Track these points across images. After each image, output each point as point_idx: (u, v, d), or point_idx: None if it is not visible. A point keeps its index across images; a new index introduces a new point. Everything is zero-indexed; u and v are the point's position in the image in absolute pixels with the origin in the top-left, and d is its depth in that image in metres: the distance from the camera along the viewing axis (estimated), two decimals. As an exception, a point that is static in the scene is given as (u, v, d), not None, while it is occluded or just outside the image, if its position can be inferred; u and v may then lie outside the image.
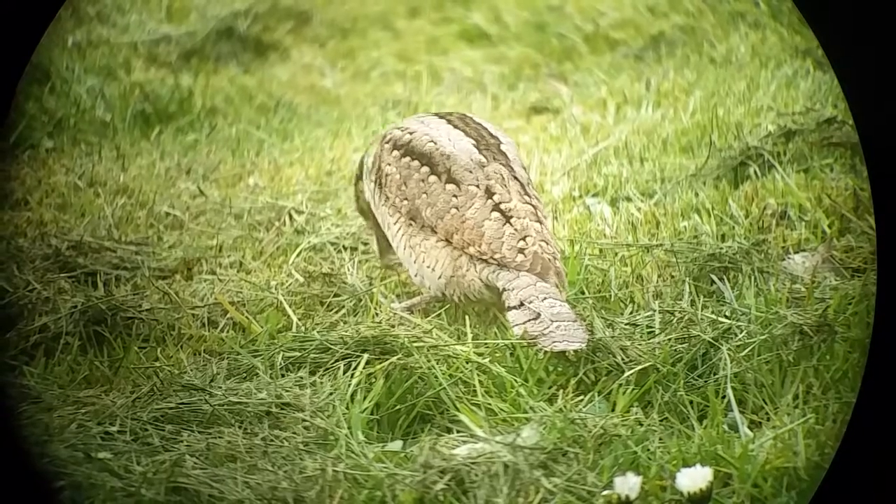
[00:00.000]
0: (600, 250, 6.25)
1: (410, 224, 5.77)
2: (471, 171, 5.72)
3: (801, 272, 5.97)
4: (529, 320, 5.41)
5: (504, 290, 5.55)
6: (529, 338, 5.34)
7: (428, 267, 5.72)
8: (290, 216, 7.01)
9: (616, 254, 6.22)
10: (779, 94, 7.84)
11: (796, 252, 6.16)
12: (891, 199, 4.75)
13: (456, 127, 5.87)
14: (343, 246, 6.63)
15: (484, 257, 5.60)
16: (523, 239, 5.58)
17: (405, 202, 5.77)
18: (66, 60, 9.00)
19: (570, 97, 8.95)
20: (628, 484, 4.48)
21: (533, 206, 5.70)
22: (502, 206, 5.64)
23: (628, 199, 6.94)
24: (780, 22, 8.90)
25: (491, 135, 5.86)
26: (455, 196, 5.69)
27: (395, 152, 5.85)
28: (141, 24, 10.00)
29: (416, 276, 5.79)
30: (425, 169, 5.76)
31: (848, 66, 4.90)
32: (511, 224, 5.61)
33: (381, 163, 5.89)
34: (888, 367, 4.60)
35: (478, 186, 5.69)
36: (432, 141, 5.81)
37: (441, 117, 5.96)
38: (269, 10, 10.46)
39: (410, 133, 5.87)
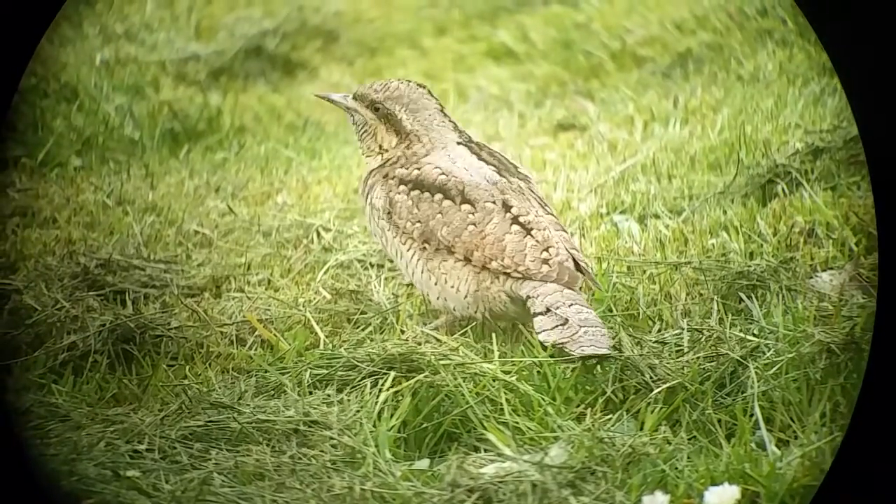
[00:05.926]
0: (628, 268, 6.25)
1: (425, 248, 5.76)
2: (486, 190, 5.72)
3: (829, 290, 5.95)
4: (557, 326, 5.41)
5: (528, 297, 5.56)
6: (558, 345, 5.34)
7: (452, 287, 5.71)
8: (318, 234, 7.02)
9: (644, 271, 6.21)
10: (806, 111, 7.82)
11: (824, 270, 6.15)
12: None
13: (479, 158, 5.85)
14: (370, 263, 6.64)
15: (507, 271, 5.60)
16: (546, 250, 5.59)
17: (417, 224, 5.75)
18: (95, 78, 9.05)
19: (597, 114, 8.95)
20: (656, 502, 4.47)
21: (554, 216, 5.72)
22: (521, 220, 5.65)
23: (656, 217, 6.93)
24: (807, 39, 8.88)
25: (510, 161, 5.88)
26: (471, 213, 5.69)
27: (403, 187, 5.83)
28: (169, 43, 10.04)
29: (437, 299, 5.77)
30: (438, 195, 5.75)
31: (860, 81, 4.90)
32: (532, 236, 5.62)
33: (389, 194, 5.86)
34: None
35: (494, 202, 5.70)
36: (443, 174, 5.79)
37: (459, 143, 5.94)
38: (297, 29, 10.49)
39: (418, 168, 5.85)
